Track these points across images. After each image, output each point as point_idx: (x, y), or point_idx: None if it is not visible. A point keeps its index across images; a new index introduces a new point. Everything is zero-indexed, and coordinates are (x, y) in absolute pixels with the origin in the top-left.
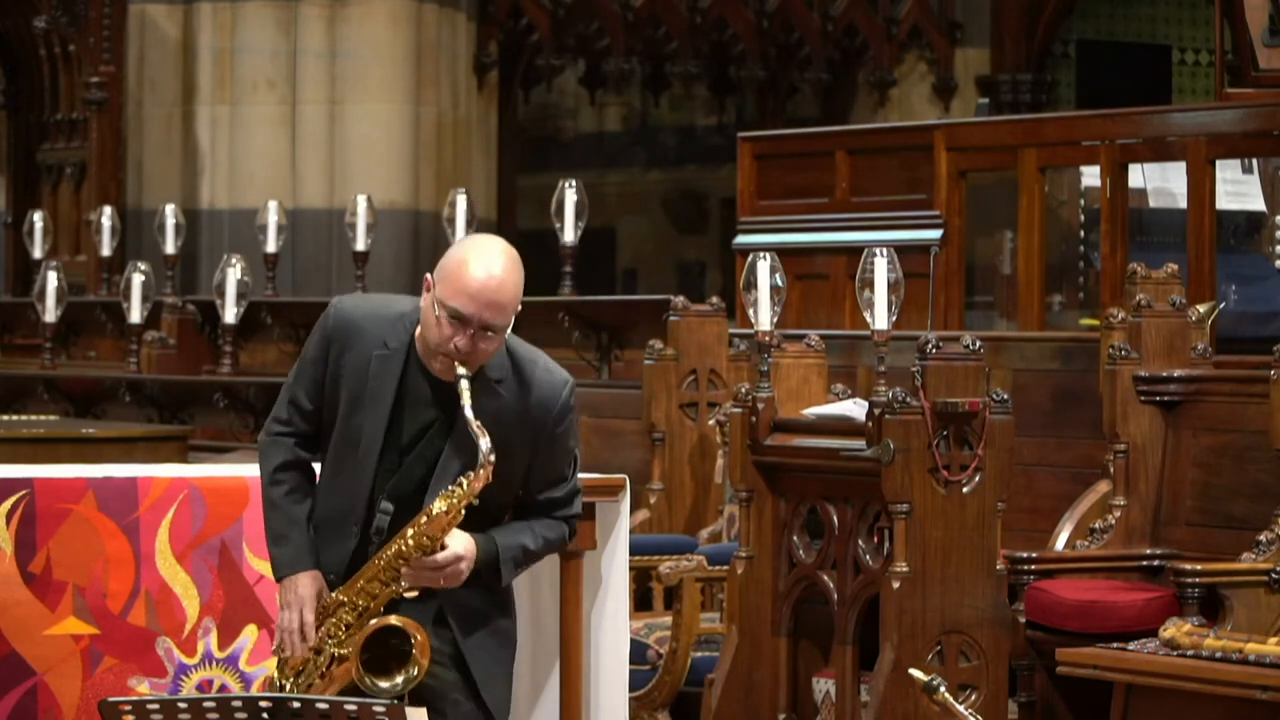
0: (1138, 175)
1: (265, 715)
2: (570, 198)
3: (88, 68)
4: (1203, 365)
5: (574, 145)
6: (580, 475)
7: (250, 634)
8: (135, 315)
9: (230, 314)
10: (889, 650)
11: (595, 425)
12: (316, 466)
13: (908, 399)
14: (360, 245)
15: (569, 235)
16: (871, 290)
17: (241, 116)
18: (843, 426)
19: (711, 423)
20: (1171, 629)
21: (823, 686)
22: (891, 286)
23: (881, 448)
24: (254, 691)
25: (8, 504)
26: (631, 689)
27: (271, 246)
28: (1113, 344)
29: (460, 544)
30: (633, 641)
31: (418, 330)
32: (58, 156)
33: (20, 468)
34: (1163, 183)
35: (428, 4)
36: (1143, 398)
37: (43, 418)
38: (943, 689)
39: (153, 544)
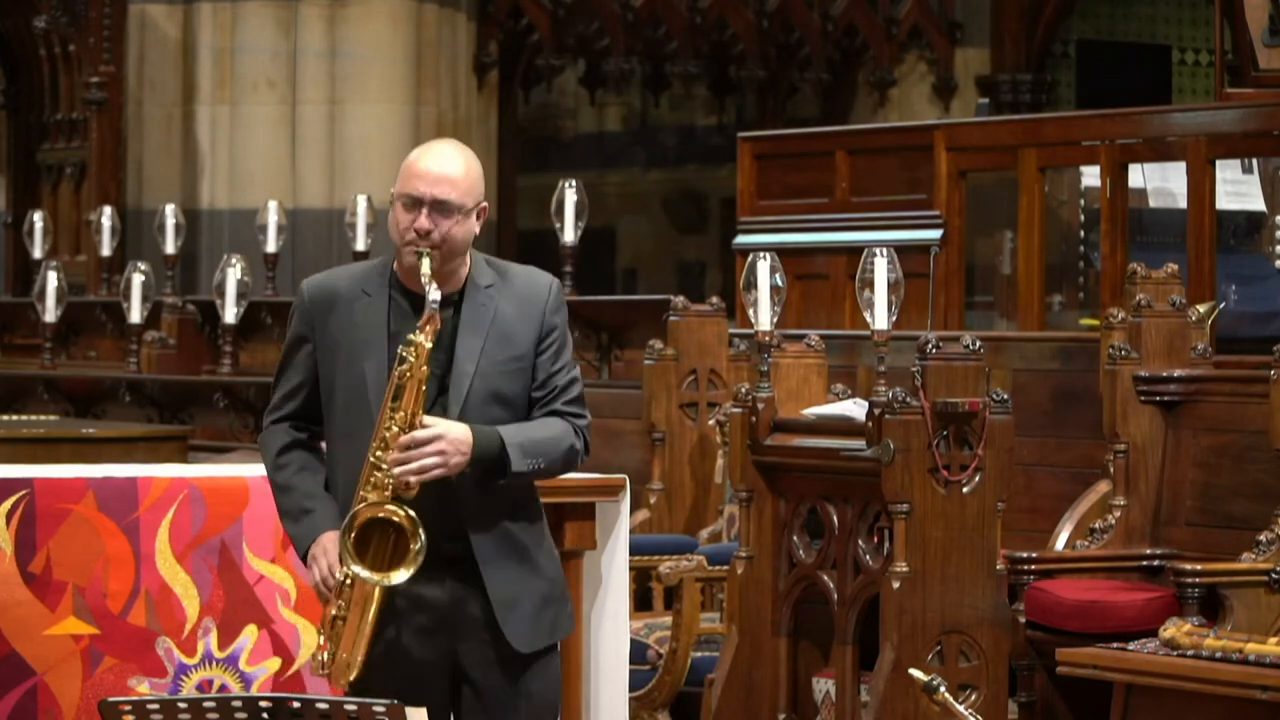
0: (1138, 175)
1: (265, 715)
2: (570, 198)
3: (88, 68)
4: (1203, 365)
5: (574, 145)
6: (580, 475)
7: (250, 634)
8: (135, 315)
9: (230, 314)
10: (889, 650)
11: (595, 425)
12: (319, 450)
13: (908, 399)
14: (360, 245)
15: (569, 235)
16: (871, 290)
17: (241, 116)
18: (843, 426)
19: (711, 423)
20: (1171, 629)
21: (823, 686)
22: (891, 286)
23: (881, 448)
24: (254, 691)
25: (8, 504)
26: (631, 689)
27: (271, 246)
28: (1113, 344)
29: (441, 425)
30: (633, 641)
31: (395, 264)
32: (58, 156)
33: (20, 468)
34: (1163, 183)
35: (428, 4)
36: (1143, 398)
37: (43, 418)
38: (943, 689)
39: (153, 544)
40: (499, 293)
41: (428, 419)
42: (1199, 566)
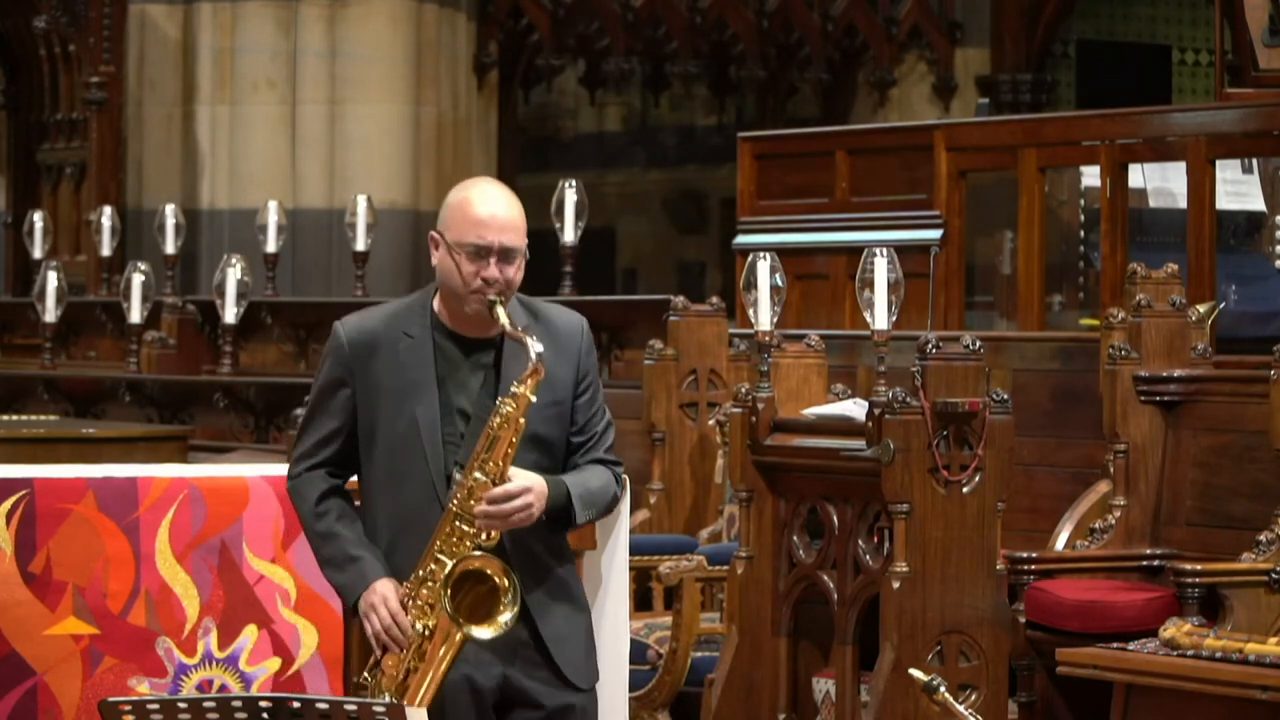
0: (1138, 175)
1: (265, 715)
2: (570, 198)
3: (88, 68)
4: (1203, 365)
5: (574, 145)
6: None
7: (250, 634)
8: (135, 315)
9: (230, 314)
10: (889, 650)
11: None
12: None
13: (908, 399)
14: (360, 245)
15: (569, 235)
16: (871, 290)
17: (241, 116)
18: (843, 426)
19: (711, 423)
20: (1171, 629)
21: (823, 686)
22: (891, 286)
23: (881, 448)
24: (254, 691)
25: (8, 504)
26: (631, 689)
27: (271, 246)
28: (1113, 344)
29: (526, 477)
30: (633, 641)
31: (435, 305)
32: (58, 156)
33: (20, 468)
34: (1163, 183)
35: (428, 4)
36: (1143, 398)
37: (43, 418)
38: (943, 689)
39: (153, 544)
40: (535, 332)
41: (513, 470)
42: (1199, 566)
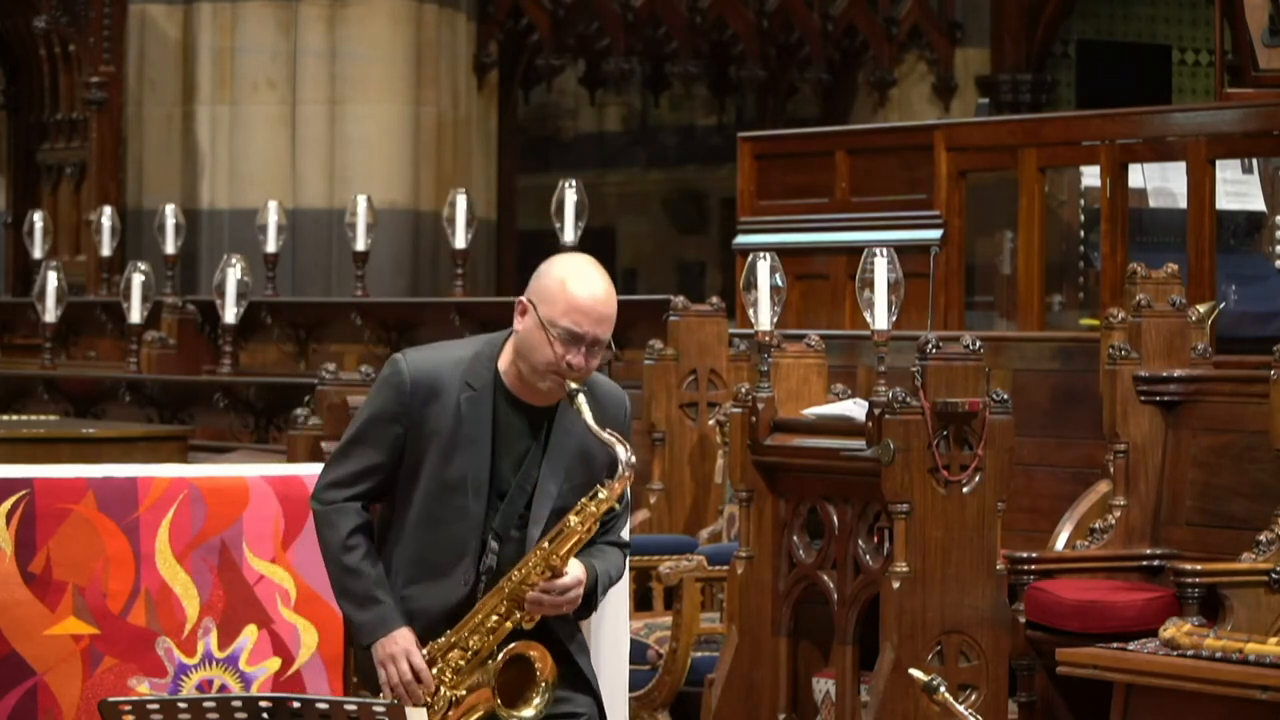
0: (1138, 175)
1: (265, 715)
2: (570, 198)
3: (88, 68)
4: (1203, 365)
5: (574, 145)
6: None
7: (250, 634)
8: (135, 315)
9: (230, 314)
10: (889, 650)
11: None
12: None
13: (908, 399)
14: (360, 245)
15: (569, 235)
16: (871, 290)
17: (241, 116)
18: (843, 426)
19: (711, 423)
20: (1171, 629)
21: (823, 686)
22: (891, 286)
23: (881, 448)
24: (254, 691)
25: (8, 504)
26: (631, 689)
27: (271, 246)
28: (1113, 344)
29: (577, 568)
30: (633, 641)
31: (501, 363)
32: (58, 156)
33: (20, 468)
34: (1163, 183)
35: (428, 4)
36: (1143, 398)
37: (43, 418)
38: (943, 689)
39: (153, 544)
40: (585, 399)
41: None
42: (1199, 566)
